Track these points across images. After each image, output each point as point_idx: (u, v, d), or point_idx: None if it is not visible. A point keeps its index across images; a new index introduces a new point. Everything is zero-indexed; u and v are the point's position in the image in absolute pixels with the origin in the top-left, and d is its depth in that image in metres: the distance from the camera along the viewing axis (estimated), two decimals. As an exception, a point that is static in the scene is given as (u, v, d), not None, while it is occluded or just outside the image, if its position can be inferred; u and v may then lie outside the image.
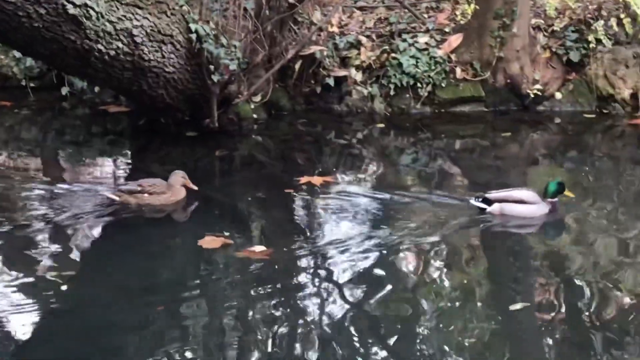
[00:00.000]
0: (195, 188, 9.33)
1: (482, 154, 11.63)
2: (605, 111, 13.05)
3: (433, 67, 12.99)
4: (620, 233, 8.53)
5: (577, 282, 7.46)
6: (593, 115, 12.98)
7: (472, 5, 13.16)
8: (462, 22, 13.50)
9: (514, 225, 8.68)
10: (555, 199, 8.87)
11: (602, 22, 12.92)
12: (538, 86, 13.05)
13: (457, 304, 7.02)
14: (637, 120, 12.59)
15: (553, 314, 6.84)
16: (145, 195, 9.19)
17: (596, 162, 11.34)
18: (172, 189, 9.25)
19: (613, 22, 12.88)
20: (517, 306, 6.88)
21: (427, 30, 13.48)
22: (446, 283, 7.51)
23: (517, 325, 6.77)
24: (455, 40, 13.20)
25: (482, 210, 8.89)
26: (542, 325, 6.71)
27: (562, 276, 7.60)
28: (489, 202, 8.89)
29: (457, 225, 8.67)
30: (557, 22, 13.31)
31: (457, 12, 13.75)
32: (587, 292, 7.24)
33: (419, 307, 6.98)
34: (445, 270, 7.78)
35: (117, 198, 9.23)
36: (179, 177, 9.26)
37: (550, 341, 6.45)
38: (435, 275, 7.69)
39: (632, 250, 8.17)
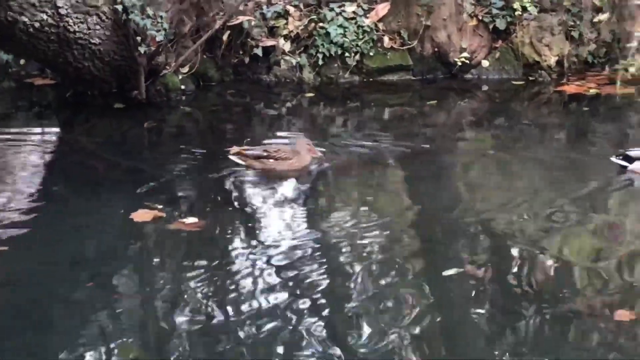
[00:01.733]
0: (320, 154, 9.53)
1: (410, 122, 11.78)
2: (531, 78, 13.29)
3: (361, 36, 13.13)
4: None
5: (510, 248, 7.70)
6: (520, 83, 13.20)
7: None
8: (389, -10, 13.65)
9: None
10: None
11: None
12: (465, 54, 13.25)
13: (393, 272, 7.11)
14: (562, 86, 12.89)
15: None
16: (271, 160, 9.37)
17: (523, 127, 11.51)
18: (297, 155, 9.40)
19: None
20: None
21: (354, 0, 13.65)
22: (378, 251, 7.55)
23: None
24: (383, 9, 13.36)
25: (624, 167, 9.14)
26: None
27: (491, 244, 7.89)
28: (630, 159, 9.16)
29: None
30: None
31: (385, -20, 13.88)
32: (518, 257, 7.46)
33: (354, 276, 7.03)
34: (376, 238, 7.81)
35: (242, 162, 9.41)
36: (304, 144, 9.42)
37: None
38: (369, 241, 7.72)
39: (561, 215, 8.33)
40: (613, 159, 9.25)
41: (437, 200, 8.89)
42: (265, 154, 9.40)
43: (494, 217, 8.30)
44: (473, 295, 6.76)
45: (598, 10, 13.19)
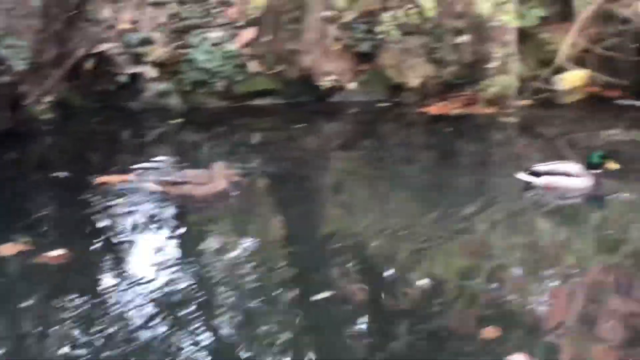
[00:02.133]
0: (237, 179, 9.53)
1: (279, 146, 11.84)
2: (397, 100, 13.55)
3: (227, 62, 13.20)
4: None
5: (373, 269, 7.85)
6: (386, 105, 13.45)
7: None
8: (254, 16, 13.75)
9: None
10: (599, 171, 9.34)
11: (390, 13, 13.34)
12: (331, 78, 13.39)
13: (264, 298, 7.12)
14: (426, 107, 13.15)
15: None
16: (188, 186, 9.36)
17: (390, 149, 11.75)
18: (214, 180, 9.39)
19: (400, 13, 13.30)
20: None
21: (220, 25, 13.69)
22: (251, 278, 7.57)
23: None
24: (248, 34, 13.46)
25: (530, 182, 9.41)
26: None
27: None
28: (537, 174, 9.41)
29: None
30: (347, 14, 13.67)
31: (249, 6, 13.89)
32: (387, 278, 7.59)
33: (225, 305, 7.04)
34: (248, 265, 7.85)
35: (159, 189, 9.37)
36: (220, 169, 9.43)
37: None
38: (241, 269, 7.74)
39: (431, 234, 8.52)
40: (520, 175, 9.64)
41: (307, 224, 8.99)
42: (182, 179, 9.45)
43: (365, 238, 8.42)
44: (345, 317, 6.82)
45: (459, 32, 13.50)
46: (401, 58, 13.52)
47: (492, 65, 13.04)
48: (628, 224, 8.85)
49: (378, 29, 13.41)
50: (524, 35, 13.71)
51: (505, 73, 13.10)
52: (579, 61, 13.86)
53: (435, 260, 7.96)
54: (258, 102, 13.42)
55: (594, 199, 9.50)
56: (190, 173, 9.59)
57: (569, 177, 9.51)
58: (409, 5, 13.28)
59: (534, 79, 13.43)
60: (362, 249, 8.22)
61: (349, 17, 13.74)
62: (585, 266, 7.88)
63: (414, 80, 13.55)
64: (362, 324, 6.76)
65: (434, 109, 13.12)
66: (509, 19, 12.97)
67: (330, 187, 10.48)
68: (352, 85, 13.66)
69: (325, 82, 13.42)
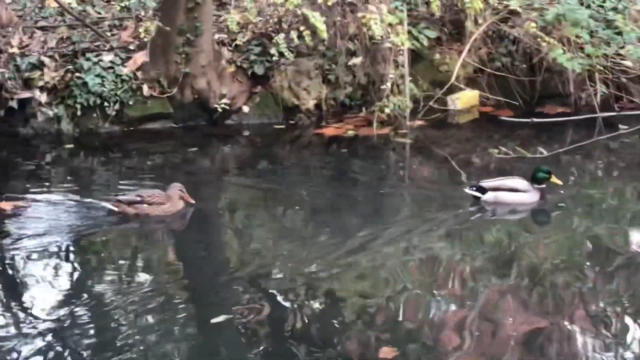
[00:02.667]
0: (193, 202, 9.71)
1: (173, 170, 11.81)
2: (292, 122, 13.62)
3: (120, 86, 13.06)
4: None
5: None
6: (281, 127, 13.51)
7: (155, 22, 13.29)
8: (146, 39, 13.73)
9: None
10: (543, 186, 9.63)
11: (283, 35, 13.41)
12: (225, 100, 13.38)
13: (162, 324, 7.18)
14: (322, 129, 13.31)
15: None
16: (145, 205, 9.49)
17: (286, 172, 11.87)
18: (171, 200, 9.55)
19: (294, 34, 13.37)
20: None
21: (112, 49, 13.58)
22: (148, 307, 7.56)
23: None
24: (140, 57, 13.39)
25: (477, 198, 9.61)
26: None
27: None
28: (483, 190, 9.51)
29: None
30: (240, 36, 13.70)
31: (141, 30, 13.83)
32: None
33: (123, 333, 7.01)
34: (144, 293, 7.87)
35: (115, 209, 9.50)
36: (176, 190, 9.58)
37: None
38: (136, 297, 7.72)
39: (332, 255, 8.67)
40: (467, 190, 9.88)
41: (202, 248, 9.02)
42: (139, 199, 9.57)
43: (260, 262, 8.51)
44: (241, 342, 6.91)
45: (352, 53, 13.67)
46: (295, 80, 13.63)
47: (385, 86, 13.20)
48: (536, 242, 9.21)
49: (272, 50, 13.44)
50: (417, 57, 14.03)
51: (399, 94, 13.32)
52: (472, 81, 14.26)
53: (331, 282, 8.04)
54: (151, 125, 13.34)
55: (541, 212, 9.90)
56: (146, 193, 9.70)
57: (517, 192, 9.83)
58: (302, 27, 13.29)
59: (428, 99, 13.65)
60: (257, 273, 8.25)
61: (242, 39, 13.74)
62: (485, 284, 8.09)
63: (308, 101, 13.68)
64: (259, 348, 6.80)
65: (330, 130, 13.25)
66: (401, 40, 13.16)
67: (225, 211, 10.51)
68: (247, 108, 13.67)
69: (220, 104, 13.39)
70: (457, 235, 9.35)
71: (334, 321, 7.25)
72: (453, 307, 7.61)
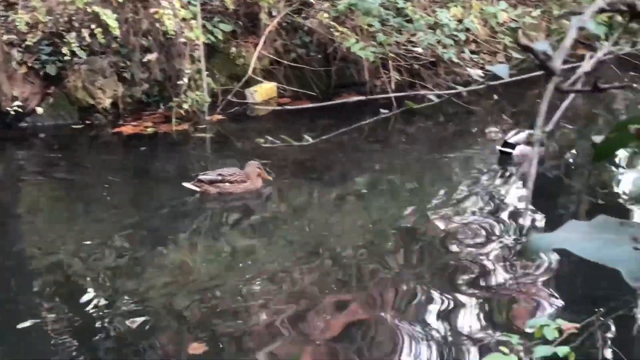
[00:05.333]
0: (270, 178, 10.66)
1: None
2: (89, 122, 13.89)
3: None
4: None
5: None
6: (78, 127, 13.75)
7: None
8: None
9: None
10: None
11: (74, 34, 13.68)
12: (18, 103, 13.52)
13: None
14: (120, 128, 13.65)
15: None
16: (227, 184, 10.24)
17: (85, 172, 12.14)
18: (250, 178, 10.38)
19: (85, 33, 13.66)
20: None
21: None
22: None
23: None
24: None
25: (508, 154, 10.91)
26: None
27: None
28: (512, 146, 10.81)
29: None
30: (30, 36, 13.85)
31: None
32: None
33: None
34: None
35: (197, 188, 10.27)
36: (255, 167, 10.39)
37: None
38: None
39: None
40: (498, 147, 11.29)
41: (3, 254, 9.24)
42: (220, 178, 10.34)
43: (63, 261, 8.87)
44: (50, 345, 7.13)
45: (147, 50, 14.12)
46: (90, 79, 13.90)
47: (182, 82, 13.70)
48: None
49: (64, 50, 13.63)
50: (213, 51, 14.57)
51: (197, 89, 13.87)
52: (269, 74, 15.17)
53: (136, 279, 8.38)
54: (-60, 132, 13.05)
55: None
56: (226, 171, 10.54)
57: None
58: (94, 25, 13.60)
59: (226, 93, 14.28)
60: (60, 276, 8.56)
61: (32, 39, 13.89)
62: (290, 271, 8.62)
63: (104, 100, 13.95)
64: (69, 352, 7.03)
65: (128, 128, 13.60)
66: (196, 35, 13.68)
67: (24, 214, 10.76)
68: (41, 109, 13.85)
69: (12, 107, 13.52)
70: (261, 225, 9.97)
71: (142, 318, 7.54)
72: (261, 299, 8.04)
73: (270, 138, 3.55)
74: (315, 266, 8.74)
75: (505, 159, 11.49)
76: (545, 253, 7.48)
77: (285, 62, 14.84)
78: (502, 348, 5.60)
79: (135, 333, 7.31)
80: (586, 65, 1.76)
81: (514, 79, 2.48)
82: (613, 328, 6.87)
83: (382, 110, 3.12)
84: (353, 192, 10.92)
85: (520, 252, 8.23)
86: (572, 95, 2.15)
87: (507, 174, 11.19)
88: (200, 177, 10.56)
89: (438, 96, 2.93)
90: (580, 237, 2.04)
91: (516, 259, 8.54)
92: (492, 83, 2.50)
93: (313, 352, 7.06)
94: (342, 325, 7.43)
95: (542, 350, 5.18)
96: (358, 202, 10.65)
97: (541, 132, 1.55)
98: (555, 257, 8.30)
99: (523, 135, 11.49)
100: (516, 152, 11.41)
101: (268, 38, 14.63)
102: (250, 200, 10.51)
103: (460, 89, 2.65)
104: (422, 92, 3.02)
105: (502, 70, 2.48)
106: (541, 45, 2.07)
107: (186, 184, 10.55)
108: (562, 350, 5.12)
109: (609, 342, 6.69)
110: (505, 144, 11.43)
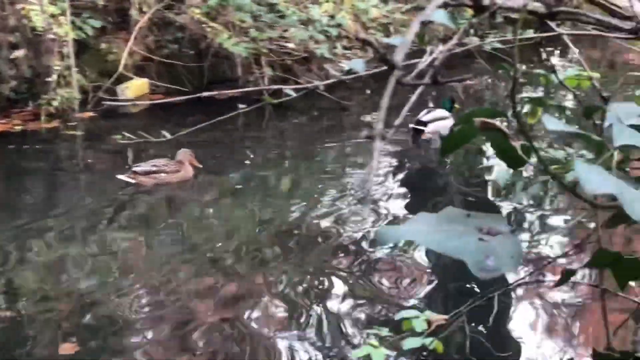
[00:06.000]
0: (200, 166, 10.69)
1: None
2: None
3: None
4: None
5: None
6: None
7: None
8: None
9: None
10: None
11: None
12: None
13: None
14: None
15: None
16: (162, 174, 10.23)
17: None
18: (183, 167, 10.45)
19: None
20: None
21: None
22: None
23: None
24: None
25: (421, 132, 11.18)
26: None
27: None
28: (424, 124, 11.17)
29: None
30: None
31: None
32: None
33: None
34: None
35: (132, 180, 10.22)
36: (187, 154, 10.48)
37: None
38: None
39: None
40: (411, 125, 11.61)
41: None
42: (155, 168, 10.29)
43: None
44: None
45: (14, 46, 13.84)
46: None
47: (51, 78, 13.53)
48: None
49: None
50: (83, 47, 14.40)
51: (66, 86, 13.73)
52: (141, 70, 15.07)
53: (7, 278, 8.23)
54: None
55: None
56: (160, 162, 10.49)
57: (447, 119, 11.76)
58: None
59: (98, 90, 14.25)
60: None
61: None
62: (164, 266, 8.60)
63: None
64: None
65: None
66: (65, 31, 13.54)
67: None
68: None
69: None
70: (140, 219, 9.99)
71: (8, 314, 7.47)
72: (134, 296, 7.97)
73: (127, 134, 3.51)
74: (192, 263, 8.73)
75: (417, 137, 11.88)
76: (395, 244, 7.61)
77: (157, 58, 14.69)
78: (371, 341, 5.65)
79: (5, 332, 7.23)
80: (426, 60, 1.79)
81: (367, 72, 2.50)
82: (480, 319, 6.99)
83: (240, 105, 3.12)
84: (228, 188, 10.87)
85: (372, 244, 8.33)
86: (419, 90, 2.18)
87: (376, 163, 11.29)
88: (135, 168, 10.54)
89: (297, 90, 2.95)
90: (428, 229, 2.07)
91: (391, 252, 8.62)
92: (345, 77, 2.52)
93: (188, 349, 7.04)
94: (219, 320, 7.47)
95: (410, 342, 5.26)
96: (232, 197, 10.60)
97: (382, 126, 1.57)
98: (426, 251, 8.42)
99: (435, 113, 11.96)
100: (428, 129, 11.89)
101: (139, 34, 14.52)
102: (134, 195, 10.39)
103: (317, 83, 2.66)
104: (284, 87, 3.03)
105: (358, 64, 2.50)
106: (395, 40, 2.10)
107: (120, 176, 10.56)
108: (430, 341, 5.21)
109: (476, 332, 6.81)
110: (418, 122, 11.85)
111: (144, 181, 10.49)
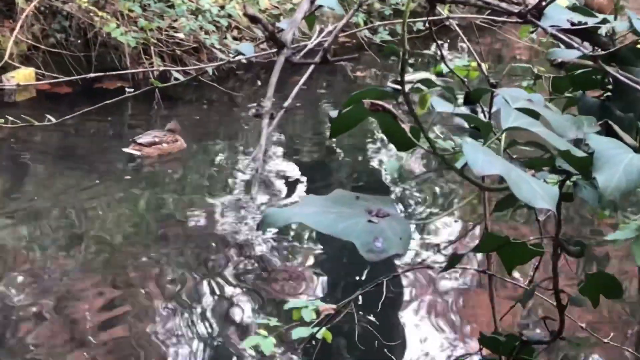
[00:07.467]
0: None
1: None
2: None
3: None
4: None
5: None
6: None
7: None
8: None
9: None
10: None
11: None
12: None
13: None
14: None
15: None
16: (164, 144, 10.33)
17: None
18: (179, 137, 10.70)
19: None
20: None
21: None
22: None
23: None
24: None
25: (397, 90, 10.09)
26: None
27: None
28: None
29: None
30: None
31: None
32: None
33: None
34: None
35: (138, 152, 10.30)
36: (177, 124, 10.77)
37: None
38: None
39: None
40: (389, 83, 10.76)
41: None
42: (157, 139, 10.44)
43: None
44: None
45: None
46: None
47: None
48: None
49: None
50: None
51: None
52: (27, 59, 14.79)
53: None
54: None
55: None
56: (159, 133, 10.63)
57: None
58: None
59: None
60: None
61: None
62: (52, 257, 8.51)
63: None
64: None
65: None
66: None
67: None
68: None
69: None
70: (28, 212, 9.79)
71: None
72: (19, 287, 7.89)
73: (11, 118, 3.45)
74: (79, 254, 8.65)
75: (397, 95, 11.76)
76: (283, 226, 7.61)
77: (44, 47, 14.42)
78: (260, 330, 5.66)
79: None
80: (314, 40, 1.76)
81: (254, 55, 2.47)
82: (370, 307, 7.05)
83: (127, 90, 3.06)
84: (115, 179, 10.76)
85: (258, 227, 8.30)
86: (309, 70, 2.16)
87: (264, 141, 11.25)
88: (138, 140, 10.65)
89: (186, 75, 2.90)
90: (316, 211, 2.05)
91: (280, 236, 8.65)
92: (233, 59, 2.49)
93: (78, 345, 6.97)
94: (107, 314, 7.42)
95: (299, 332, 5.29)
96: (119, 187, 10.49)
97: (270, 105, 1.53)
98: (318, 236, 8.47)
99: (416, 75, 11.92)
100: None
101: (25, 22, 14.20)
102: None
103: (204, 65, 2.62)
104: (172, 68, 2.99)
105: (246, 48, 2.47)
106: (284, 23, 2.07)
107: (126, 149, 10.66)
108: (319, 331, 5.25)
109: (366, 321, 6.87)
110: (395, 82, 11.75)
111: (149, 152, 10.61)
